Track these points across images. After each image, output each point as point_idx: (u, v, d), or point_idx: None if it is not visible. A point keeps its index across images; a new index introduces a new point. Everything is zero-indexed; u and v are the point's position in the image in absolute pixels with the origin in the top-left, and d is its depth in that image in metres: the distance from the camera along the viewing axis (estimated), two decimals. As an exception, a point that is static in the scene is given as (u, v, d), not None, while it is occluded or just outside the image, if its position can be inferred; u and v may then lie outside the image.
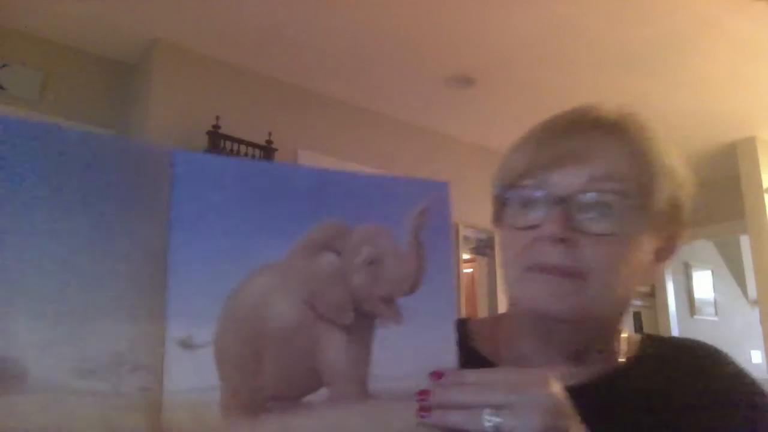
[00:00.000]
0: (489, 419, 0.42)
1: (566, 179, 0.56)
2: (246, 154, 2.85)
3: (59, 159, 0.40)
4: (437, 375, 0.45)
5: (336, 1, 2.58)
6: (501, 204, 0.62)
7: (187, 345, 0.41)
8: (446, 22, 2.72)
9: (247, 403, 0.43)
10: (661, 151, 0.59)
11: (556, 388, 0.44)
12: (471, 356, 0.64)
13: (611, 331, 0.63)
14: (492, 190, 0.63)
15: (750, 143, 3.96)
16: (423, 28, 2.77)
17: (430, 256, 0.48)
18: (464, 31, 2.80)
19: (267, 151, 2.92)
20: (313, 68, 3.13)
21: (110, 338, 0.39)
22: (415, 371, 0.45)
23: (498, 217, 0.63)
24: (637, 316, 4.55)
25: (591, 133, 0.58)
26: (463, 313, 3.68)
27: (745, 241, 4.91)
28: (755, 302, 4.73)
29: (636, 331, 4.37)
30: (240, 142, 2.83)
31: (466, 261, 3.88)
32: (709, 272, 5.62)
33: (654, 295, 4.96)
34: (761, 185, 3.90)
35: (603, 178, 0.56)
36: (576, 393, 0.47)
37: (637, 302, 4.80)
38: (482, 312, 4.07)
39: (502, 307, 3.33)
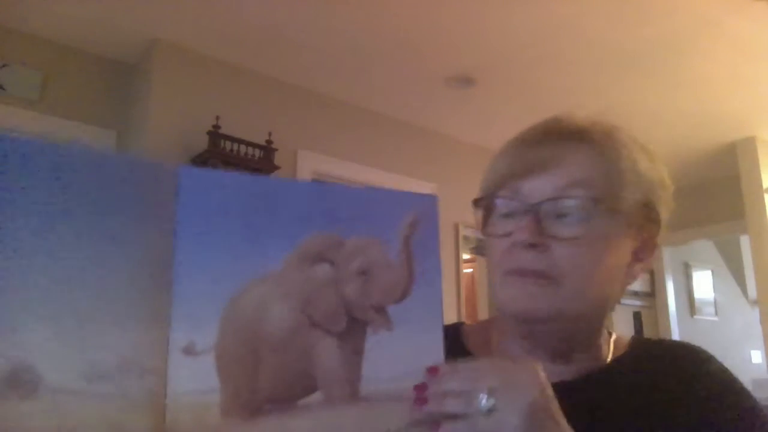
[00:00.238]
0: (483, 401, 0.45)
1: (536, 188, 0.60)
2: (246, 154, 2.85)
3: (69, 176, 0.42)
4: (433, 370, 0.49)
5: (336, 1, 2.58)
6: (484, 213, 0.66)
7: (189, 351, 0.44)
8: (446, 22, 2.72)
9: (246, 405, 0.45)
10: (630, 155, 0.62)
11: (541, 372, 0.48)
12: (465, 359, 0.66)
13: (594, 330, 0.66)
14: (476, 200, 0.67)
15: (750, 143, 3.96)
16: (423, 28, 2.77)
17: (420, 266, 0.51)
18: (464, 31, 2.80)
19: (267, 151, 2.92)
20: (313, 68, 3.13)
21: (118, 345, 0.42)
22: (404, 374, 0.48)
23: (483, 226, 0.66)
24: (637, 316, 4.55)
25: (559, 142, 0.62)
26: (463, 313, 3.68)
27: (745, 241, 4.91)
28: (755, 302, 4.73)
29: (636, 331, 4.37)
30: (240, 142, 2.83)
31: (466, 261, 3.88)
32: (709, 272, 5.62)
33: (654, 295, 4.97)
34: (761, 185, 3.90)
35: (571, 185, 0.59)
36: (561, 391, 0.50)
37: (637, 302, 4.80)
38: (482, 311, 4.07)
39: (502, 307, 3.32)
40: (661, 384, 0.61)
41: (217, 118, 2.79)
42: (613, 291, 0.63)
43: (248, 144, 2.86)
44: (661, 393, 0.60)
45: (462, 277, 3.75)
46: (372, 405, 0.48)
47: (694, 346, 0.67)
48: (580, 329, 0.63)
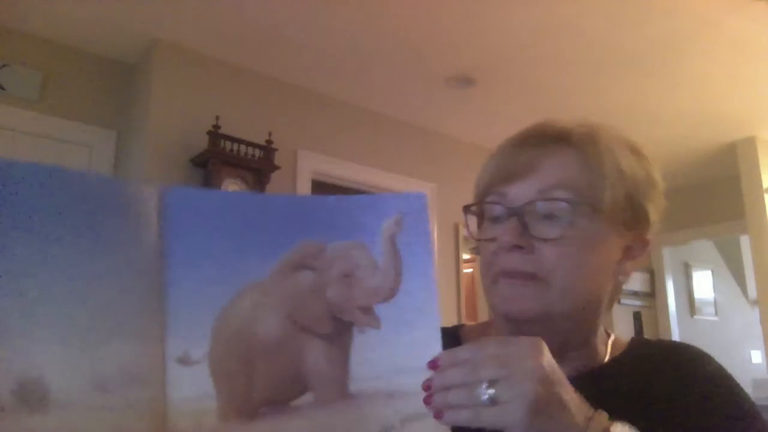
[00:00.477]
0: (485, 392, 0.46)
1: (520, 191, 0.62)
2: (246, 154, 2.85)
3: (61, 197, 0.45)
4: (433, 364, 0.49)
5: (336, 1, 2.58)
6: (477, 219, 0.68)
7: (184, 361, 0.46)
8: (446, 22, 2.72)
9: (240, 409, 0.48)
10: (612, 155, 0.63)
11: (545, 354, 0.48)
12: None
13: (588, 329, 0.66)
14: (466, 206, 0.69)
15: (750, 143, 3.96)
16: (423, 28, 2.77)
17: (409, 265, 0.52)
18: (464, 31, 2.80)
19: (267, 151, 2.92)
20: (313, 68, 3.13)
21: (119, 357, 0.44)
22: (397, 370, 0.49)
23: (475, 230, 0.68)
24: (637, 316, 4.55)
25: (541, 146, 0.63)
26: (463, 313, 3.68)
27: (745, 241, 4.91)
28: (755, 302, 4.73)
29: (636, 331, 4.36)
30: (240, 142, 2.83)
31: (466, 261, 3.88)
32: (709, 272, 5.62)
33: (654, 295, 4.97)
34: (761, 185, 3.90)
35: (553, 187, 0.61)
36: None
37: (637, 302, 4.80)
38: (482, 311, 4.07)
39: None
40: (658, 385, 0.62)
41: (217, 118, 2.79)
42: (604, 289, 0.64)
43: (248, 144, 2.86)
44: (658, 394, 0.61)
45: (462, 277, 3.75)
46: (364, 402, 0.49)
47: (693, 347, 0.67)
48: (572, 328, 0.64)
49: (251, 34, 2.83)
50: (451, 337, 0.76)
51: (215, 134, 2.77)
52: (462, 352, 0.50)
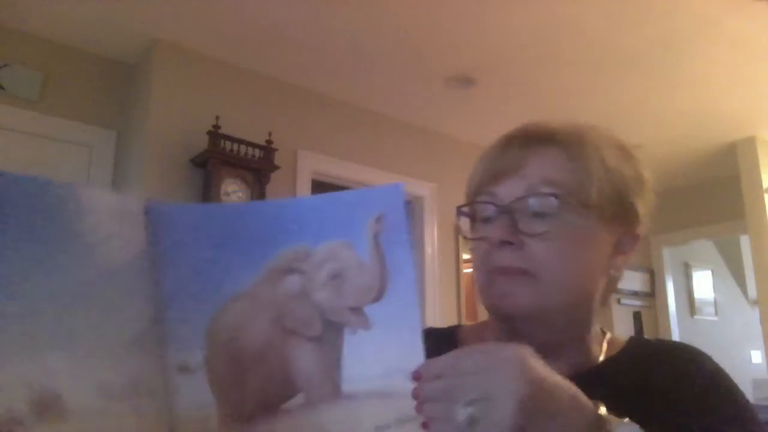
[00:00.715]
0: (464, 412, 0.45)
1: (507, 190, 0.64)
2: (246, 154, 2.85)
3: (54, 211, 0.45)
4: (416, 375, 0.49)
5: (336, 1, 2.58)
6: (470, 221, 0.69)
7: (184, 369, 0.48)
8: (446, 22, 2.72)
9: (236, 414, 0.49)
10: (597, 152, 0.64)
11: (530, 368, 0.46)
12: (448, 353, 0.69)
13: (581, 325, 0.66)
14: (458, 208, 0.71)
15: (750, 143, 3.96)
16: (423, 28, 2.77)
17: (391, 261, 0.51)
18: (464, 31, 2.80)
19: (267, 151, 2.92)
20: (313, 68, 3.13)
21: (126, 368, 0.46)
22: (386, 371, 0.50)
23: (466, 231, 0.70)
24: (637, 316, 4.55)
25: (529, 145, 0.65)
26: (463, 313, 3.68)
27: (745, 241, 4.92)
28: (755, 302, 4.73)
29: (636, 331, 4.36)
30: (240, 142, 2.83)
31: (466, 261, 3.88)
32: (709, 272, 5.62)
33: (654, 295, 4.97)
34: (761, 185, 3.90)
35: (539, 184, 0.62)
36: None
37: (637, 302, 4.80)
38: (482, 311, 4.06)
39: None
40: (655, 384, 0.62)
41: (217, 118, 2.79)
42: (596, 284, 0.65)
43: (248, 144, 2.86)
44: (654, 393, 0.61)
45: (462, 277, 3.75)
46: (357, 403, 0.49)
47: (691, 347, 0.67)
48: (565, 324, 0.64)
49: (251, 34, 2.83)
50: (448, 338, 0.76)
51: (215, 134, 2.77)
52: (441, 365, 0.48)
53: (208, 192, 2.73)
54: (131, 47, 2.93)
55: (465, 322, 3.51)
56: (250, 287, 0.51)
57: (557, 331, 0.64)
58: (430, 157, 3.74)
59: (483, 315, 0.76)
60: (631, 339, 0.70)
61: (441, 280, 3.61)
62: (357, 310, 0.51)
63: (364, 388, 0.50)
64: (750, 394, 4.67)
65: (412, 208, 3.72)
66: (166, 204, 0.50)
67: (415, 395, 0.48)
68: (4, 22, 2.70)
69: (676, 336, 4.78)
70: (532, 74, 3.18)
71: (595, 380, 0.63)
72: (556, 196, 0.62)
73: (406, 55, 3.01)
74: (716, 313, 5.53)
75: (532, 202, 0.62)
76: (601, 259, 0.65)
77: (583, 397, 0.49)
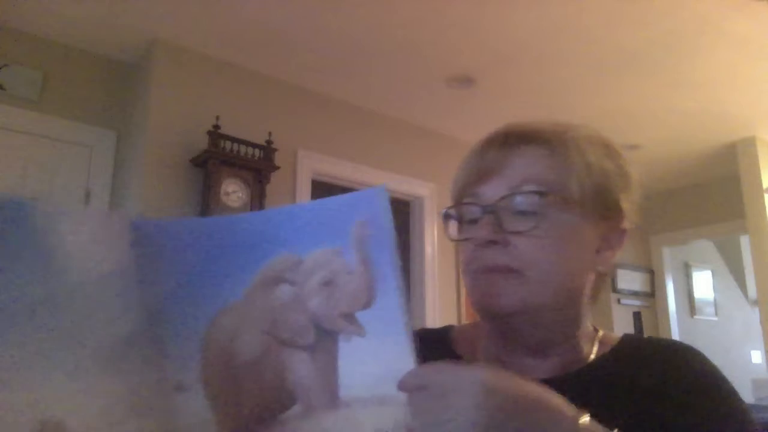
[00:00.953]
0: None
1: (491, 190, 0.65)
2: (246, 154, 2.85)
3: (48, 233, 0.46)
4: (400, 385, 0.49)
5: (336, 1, 2.58)
6: (458, 223, 0.69)
7: (180, 388, 0.48)
8: (446, 22, 2.72)
9: (235, 428, 0.49)
10: (579, 149, 0.65)
11: (491, 390, 0.46)
12: (455, 361, 0.68)
13: (569, 322, 0.66)
14: (443, 211, 0.71)
15: (750, 143, 3.96)
16: (423, 28, 2.77)
17: (377, 266, 0.51)
18: (464, 31, 2.80)
19: (267, 151, 2.92)
20: (313, 68, 3.13)
21: (127, 389, 0.46)
22: (383, 378, 0.49)
23: (453, 233, 0.70)
24: (637, 316, 4.55)
25: (511, 145, 0.66)
26: (463, 314, 3.68)
27: (745, 241, 4.92)
28: (755, 302, 4.73)
29: (636, 331, 4.34)
30: (240, 142, 2.83)
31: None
32: (709, 272, 5.63)
33: (654, 295, 4.97)
34: (761, 185, 3.90)
35: (523, 182, 0.63)
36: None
37: (637, 302, 4.80)
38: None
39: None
40: (646, 382, 0.61)
41: (217, 118, 2.79)
42: (583, 280, 0.65)
43: (248, 144, 2.86)
44: (646, 391, 0.61)
45: (462, 277, 3.75)
46: (354, 410, 0.49)
47: (684, 344, 0.67)
48: (554, 321, 0.64)
49: (251, 34, 2.83)
50: (441, 339, 0.76)
51: (215, 134, 2.77)
52: (411, 379, 0.49)
53: (208, 192, 2.73)
54: (131, 47, 2.93)
55: (465, 321, 3.51)
56: (242, 299, 0.50)
57: (546, 329, 0.64)
58: (430, 157, 3.74)
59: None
60: (624, 337, 0.70)
61: (441, 280, 3.61)
62: (350, 317, 0.50)
63: (361, 395, 0.49)
64: (750, 394, 4.67)
65: (411, 208, 3.72)
66: (151, 221, 0.50)
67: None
68: (4, 22, 2.70)
69: (676, 336, 4.78)
70: (532, 74, 3.18)
71: (586, 378, 0.64)
72: (538, 193, 0.62)
73: (406, 55, 3.01)
74: (716, 313, 5.53)
75: (516, 200, 0.63)
76: (588, 254, 0.65)
77: (562, 409, 0.48)
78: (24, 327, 0.43)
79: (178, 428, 0.47)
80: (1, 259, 0.44)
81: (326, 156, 3.32)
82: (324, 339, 0.50)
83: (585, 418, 0.49)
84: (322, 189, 3.33)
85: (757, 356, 5.24)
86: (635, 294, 4.81)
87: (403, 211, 3.76)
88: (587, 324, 0.69)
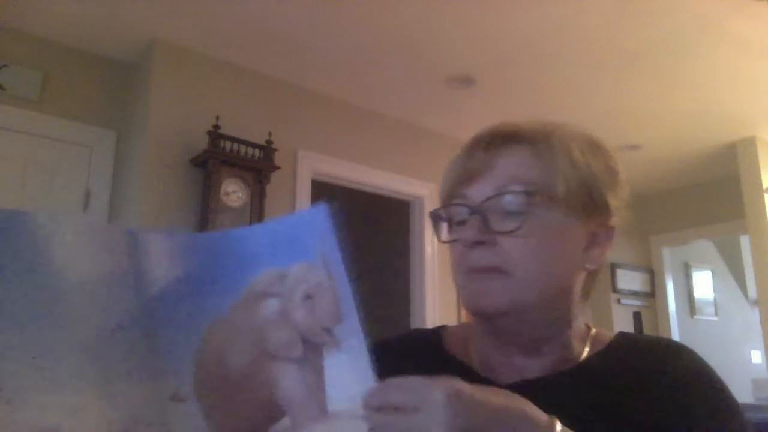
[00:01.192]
0: None
1: (478, 191, 0.65)
2: (246, 154, 2.85)
3: (45, 245, 0.46)
4: (363, 403, 0.49)
5: (336, 1, 2.58)
6: (443, 222, 0.70)
7: (177, 399, 0.48)
8: (446, 22, 2.72)
9: None
10: (564, 148, 0.65)
11: (459, 406, 0.46)
12: (448, 361, 0.71)
13: (560, 320, 0.66)
14: (431, 213, 0.72)
15: (750, 143, 3.96)
16: (423, 28, 2.77)
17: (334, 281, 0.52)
18: (464, 31, 2.80)
19: (267, 151, 2.92)
20: (313, 68, 3.13)
21: (126, 402, 0.46)
22: (364, 392, 0.50)
23: (442, 235, 0.70)
24: (637, 316, 4.55)
25: (496, 146, 0.66)
26: (463, 314, 3.68)
27: (745, 241, 4.92)
28: (755, 302, 4.73)
29: (636, 331, 4.34)
30: (240, 142, 2.83)
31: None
32: (709, 272, 5.63)
33: (654, 295, 4.97)
34: (761, 185, 3.90)
35: (509, 182, 0.63)
36: (531, 388, 0.51)
37: (637, 302, 4.80)
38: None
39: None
40: (634, 380, 0.62)
41: (217, 118, 2.79)
42: (572, 278, 0.65)
43: (248, 144, 2.86)
44: (637, 389, 0.60)
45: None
46: (344, 421, 0.50)
47: (677, 343, 0.67)
48: (543, 319, 0.64)
49: (251, 34, 2.83)
50: (433, 339, 0.76)
51: (215, 134, 2.77)
52: (375, 397, 0.49)
53: (208, 192, 2.73)
54: (131, 47, 2.93)
55: (465, 321, 3.51)
56: (231, 313, 0.51)
57: (536, 328, 0.65)
58: (430, 157, 3.74)
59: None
60: (618, 335, 0.70)
61: (441, 280, 3.61)
62: (330, 331, 0.51)
63: (350, 407, 0.50)
64: (750, 394, 4.67)
65: (411, 208, 3.72)
66: (147, 232, 0.51)
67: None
68: (4, 22, 2.70)
69: (676, 336, 4.78)
70: (532, 74, 3.18)
71: (577, 377, 0.64)
72: (524, 193, 0.63)
73: (406, 55, 3.01)
74: (716, 313, 5.53)
75: (502, 200, 0.63)
76: (576, 253, 0.65)
77: (534, 418, 0.48)
78: (20, 337, 0.43)
79: None
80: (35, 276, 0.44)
81: (326, 156, 3.32)
82: (310, 352, 0.51)
83: (558, 427, 0.49)
84: (322, 189, 3.33)
85: (757, 356, 5.24)
86: (635, 294, 4.81)
87: (403, 211, 3.76)
88: (579, 322, 0.69)
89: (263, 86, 3.16)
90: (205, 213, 2.71)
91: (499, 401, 0.48)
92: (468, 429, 0.45)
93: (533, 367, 0.65)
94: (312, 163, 3.26)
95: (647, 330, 4.67)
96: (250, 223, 2.73)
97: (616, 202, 0.68)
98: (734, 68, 3.10)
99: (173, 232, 0.52)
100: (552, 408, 0.50)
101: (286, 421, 0.50)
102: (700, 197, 4.80)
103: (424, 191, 3.66)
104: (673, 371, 0.61)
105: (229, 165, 2.79)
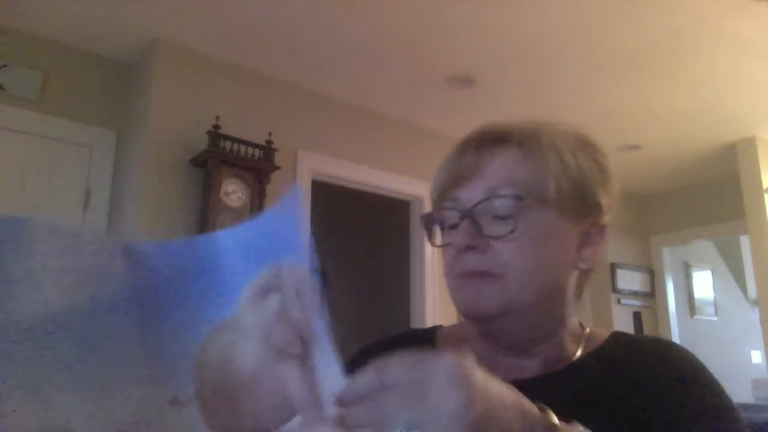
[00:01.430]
0: None
1: (468, 194, 0.64)
2: (246, 154, 2.85)
3: (48, 253, 0.46)
4: (339, 400, 0.44)
5: (336, 2, 2.58)
6: (436, 225, 0.69)
7: (176, 403, 0.48)
8: (446, 22, 2.72)
9: None
10: (553, 147, 0.65)
11: (472, 379, 0.41)
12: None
13: (553, 321, 0.66)
14: (422, 216, 0.71)
15: (750, 143, 3.96)
16: (423, 28, 2.77)
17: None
18: (464, 31, 2.80)
19: (267, 151, 2.92)
20: (313, 68, 3.13)
21: (128, 403, 0.46)
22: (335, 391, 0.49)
23: (434, 239, 0.70)
24: (637, 316, 4.55)
25: (485, 147, 0.65)
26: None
27: (745, 241, 4.92)
28: (755, 302, 4.73)
29: (636, 331, 4.34)
30: (240, 142, 2.83)
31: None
32: (709, 272, 5.62)
33: (654, 295, 4.97)
34: (761, 185, 3.90)
35: (498, 186, 0.63)
36: (526, 386, 0.49)
37: (637, 302, 4.80)
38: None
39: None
40: (626, 379, 0.61)
41: (217, 118, 2.79)
42: (565, 278, 0.65)
43: (248, 144, 2.86)
44: (624, 387, 0.60)
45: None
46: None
47: (672, 342, 0.66)
48: (537, 320, 0.64)
49: (251, 34, 2.83)
50: (427, 339, 0.76)
51: (215, 134, 2.77)
52: (363, 383, 0.43)
53: (208, 192, 2.73)
54: (131, 47, 2.93)
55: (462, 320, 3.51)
56: (234, 314, 0.50)
57: (529, 330, 0.65)
58: (431, 157, 3.72)
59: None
60: (612, 334, 0.70)
61: (441, 280, 3.60)
62: (321, 329, 0.50)
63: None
64: (750, 394, 4.67)
65: (411, 208, 3.72)
66: (144, 243, 0.50)
67: (340, 423, 0.43)
68: (4, 22, 2.70)
69: (675, 336, 4.78)
70: (532, 74, 3.18)
71: (569, 377, 0.63)
72: (515, 196, 0.62)
73: (406, 55, 3.01)
74: (716, 313, 5.53)
75: (493, 204, 0.62)
76: (568, 253, 0.65)
77: (527, 407, 0.45)
78: (20, 347, 0.43)
79: None
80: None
81: (326, 156, 3.32)
82: (307, 350, 0.50)
83: (551, 416, 0.47)
84: (322, 189, 3.33)
85: (757, 356, 5.24)
86: (635, 294, 4.81)
87: (403, 211, 3.76)
88: (573, 322, 0.69)
89: (263, 86, 3.16)
90: (205, 213, 2.71)
91: (496, 385, 0.44)
92: (481, 406, 0.40)
93: (526, 367, 0.65)
94: (312, 163, 3.26)
95: (647, 330, 4.67)
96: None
97: (608, 200, 0.67)
98: (734, 68, 3.10)
99: (164, 241, 0.52)
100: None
101: (297, 421, 0.49)
102: (700, 197, 4.80)
103: (424, 191, 3.66)
104: (665, 370, 0.61)
105: (229, 165, 2.79)
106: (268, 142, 2.93)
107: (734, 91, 3.34)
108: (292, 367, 0.50)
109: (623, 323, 4.56)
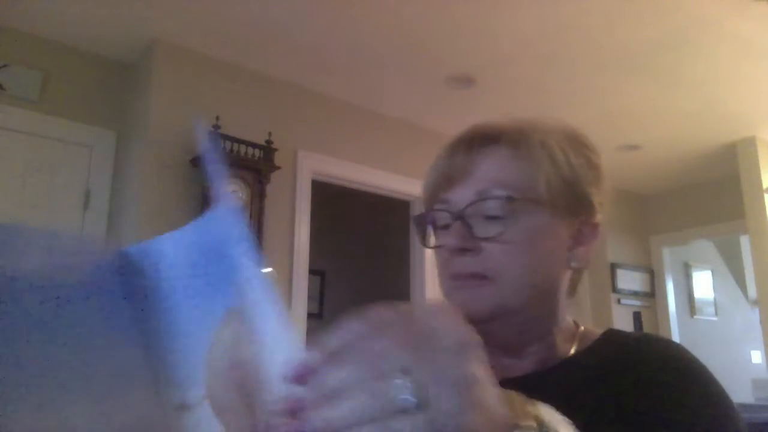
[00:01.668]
0: (400, 390, 0.30)
1: (459, 196, 0.64)
2: (246, 154, 2.85)
3: (53, 259, 0.46)
4: (299, 373, 0.33)
5: (336, 1, 2.58)
6: (429, 226, 0.69)
7: (183, 408, 0.47)
8: (446, 22, 2.72)
9: None
10: (544, 145, 0.64)
11: (478, 363, 0.35)
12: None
13: (547, 320, 0.66)
14: (415, 218, 0.71)
15: (750, 143, 3.96)
16: (423, 28, 2.77)
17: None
18: (464, 31, 2.80)
19: (267, 151, 2.92)
20: (313, 68, 3.13)
21: (135, 409, 0.46)
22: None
23: (427, 240, 0.70)
24: (637, 316, 4.55)
25: (475, 148, 0.65)
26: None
27: (745, 241, 4.92)
28: (755, 302, 4.73)
29: (636, 331, 4.35)
30: (240, 142, 2.83)
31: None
32: (709, 272, 5.62)
33: (654, 295, 4.97)
34: (761, 185, 3.90)
35: (489, 187, 0.62)
36: (518, 384, 0.49)
37: (637, 302, 4.80)
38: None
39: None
40: (618, 376, 0.60)
41: (217, 118, 2.79)
42: (558, 278, 0.65)
43: (248, 144, 2.86)
44: (616, 385, 0.59)
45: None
46: None
47: (667, 340, 0.65)
48: (530, 320, 0.64)
49: (251, 34, 2.83)
50: None
51: (215, 134, 2.77)
52: (341, 336, 0.34)
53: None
54: (131, 47, 2.93)
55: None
56: (237, 307, 0.49)
57: (522, 330, 0.64)
58: (431, 157, 3.71)
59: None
60: (606, 332, 0.69)
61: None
62: None
63: None
64: (750, 394, 4.67)
65: (411, 208, 3.72)
66: (138, 246, 0.50)
67: (293, 409, 0.32)
68: (4, 22, 2.70)
69: (676, 336, 4.78)
70: (532, 74, 3.18)
71: (561, 373, 0.63)
72: (506, 197, 0.62)
73: (406, 55, 3.01)
74: (716, 313, 5.52)
75: (484, 206, 0.62)
76: (561, 252, 0.65)
77: (516, 400, 0.45)
78: (20, 355, 0.43)
79: None
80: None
81: (326, 156, 3.32)
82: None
83: (539, 408, 0.46)
84: (322, 189, 3.33)
85: (757, 356, 5.24)
86: (635, 294, 4.81)
87: (403, 211, 3.76)
88: (567, 320, 0.68)
89: (263, 86, 3.16)
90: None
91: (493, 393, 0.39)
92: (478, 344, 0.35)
93: (518, 367, 0.65)
94: (312, 163, 3.26)
95: (647, 330, 4.67)
96: (251, 223, 2.73)
97: (600, 198, 0.67)
98: (734, 68, 3.10)
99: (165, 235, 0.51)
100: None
101: None
102: (700, 197, 4.80)
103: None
104: (655, 368, 0.60)
105: (229, 165, 2.79)
106: (268, 142, 2.93)
107: (734, 91, 3.34)
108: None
109: (623, 323, 4.56)
